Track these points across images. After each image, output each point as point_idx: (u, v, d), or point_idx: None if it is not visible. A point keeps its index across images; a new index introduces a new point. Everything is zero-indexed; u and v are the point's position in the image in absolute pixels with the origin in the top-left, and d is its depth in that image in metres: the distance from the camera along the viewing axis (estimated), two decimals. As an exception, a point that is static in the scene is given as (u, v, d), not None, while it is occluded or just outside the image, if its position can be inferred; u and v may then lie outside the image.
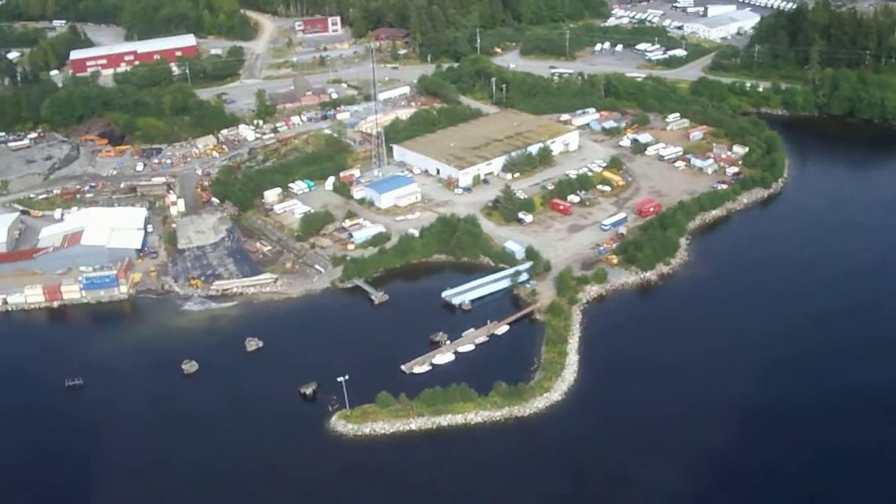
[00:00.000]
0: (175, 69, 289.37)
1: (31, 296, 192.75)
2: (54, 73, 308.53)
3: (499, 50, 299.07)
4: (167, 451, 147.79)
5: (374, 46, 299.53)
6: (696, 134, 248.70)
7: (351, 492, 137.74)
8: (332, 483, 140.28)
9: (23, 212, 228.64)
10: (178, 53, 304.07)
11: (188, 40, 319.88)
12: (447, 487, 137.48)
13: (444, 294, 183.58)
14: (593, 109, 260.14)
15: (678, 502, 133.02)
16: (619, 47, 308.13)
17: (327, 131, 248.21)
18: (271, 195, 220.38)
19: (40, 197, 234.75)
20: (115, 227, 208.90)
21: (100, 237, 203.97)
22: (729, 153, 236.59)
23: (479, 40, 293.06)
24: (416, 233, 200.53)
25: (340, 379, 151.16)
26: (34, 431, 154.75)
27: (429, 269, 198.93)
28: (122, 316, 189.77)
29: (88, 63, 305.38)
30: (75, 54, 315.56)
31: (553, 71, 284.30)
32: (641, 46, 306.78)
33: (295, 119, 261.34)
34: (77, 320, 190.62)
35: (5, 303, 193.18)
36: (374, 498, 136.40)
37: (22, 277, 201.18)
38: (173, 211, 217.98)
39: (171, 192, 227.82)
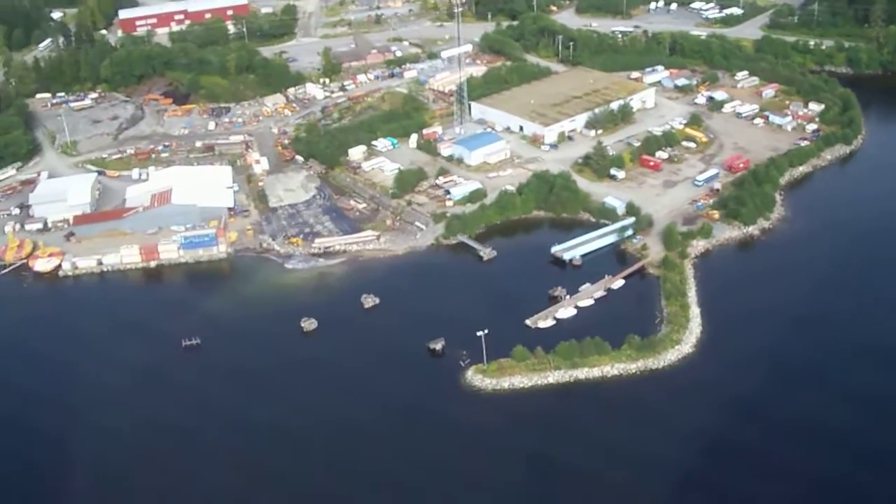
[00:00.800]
0: (231, 28, 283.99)
1: (128, 256, 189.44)
2: (102, 32, 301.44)
3: (554, 8, 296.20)
4: (303, 405, 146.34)
5: (430, 5, 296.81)
6: (768, 91, 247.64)
7: (500, 444, 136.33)
8: (477, 435, 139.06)
9: (98, 172, 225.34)
10: (230, 12, 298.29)
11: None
12: (604, 435, 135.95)
13: (553, 249, 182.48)
14: (661, 67, 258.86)
15: (837, 438, 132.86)
16: (674, 6, 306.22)
17: (399, 89, 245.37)
18: (356, 153, 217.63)
19: (114, 157, 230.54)
20: (204, 186, 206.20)
21: (190, 196, 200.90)
22: (805, 110, 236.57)
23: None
24: (513, 189, 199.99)
25: (479, 333, 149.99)
26: (158, 391, 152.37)
27: (529, 225, 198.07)
28: (224, 275, 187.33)
29: (138, 22, 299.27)
30: (124, 13, 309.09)
31: (614, 29, 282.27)
32: (696, 5, 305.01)
33: (361, 77, 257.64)
34: (178, 280, 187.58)
35: (100, 263, 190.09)
36: (525, 447, 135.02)
37: (111, 238, 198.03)
38: (257, 169, 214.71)
39: (250, 150, 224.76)
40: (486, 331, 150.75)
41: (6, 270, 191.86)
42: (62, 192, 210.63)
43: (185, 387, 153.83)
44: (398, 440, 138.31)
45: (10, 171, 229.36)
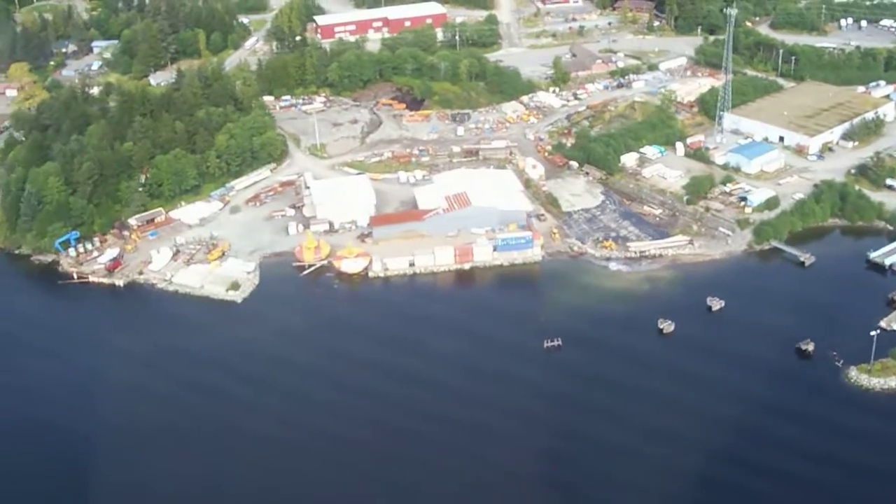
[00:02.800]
0: (439, 35, 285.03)
1: (441, 257, 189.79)
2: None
3: (749, 24, 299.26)
4: (684, 408, 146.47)
5: (629, 18, 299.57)
6: None
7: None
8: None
9: (358, 174, 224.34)
10: (429, 20, 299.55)
11: (436, 8, 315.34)
12: None
13: (871, 255, 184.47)
14: (884, 82, 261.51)
15: None
16: (864, 23, 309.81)
17: (650, 99, 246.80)
18: (629, 159, 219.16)
19: (372, 160, 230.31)
20: (495, 190, 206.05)
21: (487, 199, 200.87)
22: None
23: (733, 14, 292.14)
24: (804, 196, 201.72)
25: (873, 333, 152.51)
26: (520, 389, 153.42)
27: (829, 232, 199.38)
28: (547, 277, 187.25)
29: (337, 29, 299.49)
30: (322, 20, 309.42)
31: (822, 45, 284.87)
32: (886, 22, 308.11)
33: (590, 86, 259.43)
34: (507, 281, 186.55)
35: (412, 265, 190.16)
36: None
37: (409, 240, 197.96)
38: (534, 174, 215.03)
39: (514, 155, 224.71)
40: (877, 330, 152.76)
41: (309, 271, 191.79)
42: (342, 193, 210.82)
43: (546, 387, 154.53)
44: (772, 430, 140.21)
45: (265, 171, 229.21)
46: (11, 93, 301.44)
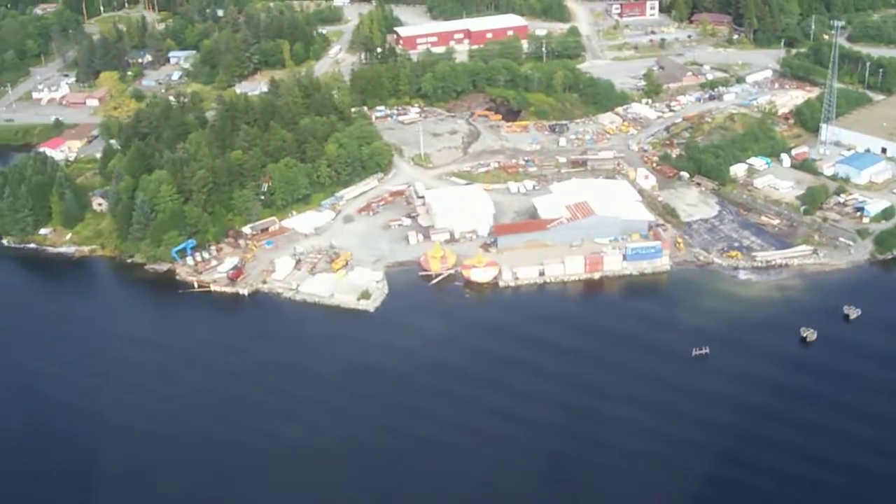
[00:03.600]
0: (525, 47, 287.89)
1: (571, 266, 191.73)
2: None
3: (826, 37, 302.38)
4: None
5: (708, 31, 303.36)
6: None
7: None
8: None
9: (466, 184, 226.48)
10: (510, 33, 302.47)
11: (517, 20, 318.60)
12: None
13: None
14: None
15: None
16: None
17: (735, 111, 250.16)
18: (738, 170, 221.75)
19: (480, 170, 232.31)
20: (613, 199, 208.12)
21: (609, 208, 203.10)
22: None
23: (812, 27, 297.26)
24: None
25: None
26: (683, 396, 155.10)
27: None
28: (678, 286, 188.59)
29: (419, 40, 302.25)
30: (403, 31, 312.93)
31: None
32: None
33: (682, 98, 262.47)
34: (639, 290, 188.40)
35: (542, 274, 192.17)
36: None
37: (532, 249, 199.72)
38: (646, 185, 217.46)
39: (622, 165, 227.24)
40: None
41: (437, 280, 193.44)
42: (459, 203, 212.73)
43: (710, 394, 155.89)
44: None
45: (372, 181, 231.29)
46: (92, 102, 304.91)
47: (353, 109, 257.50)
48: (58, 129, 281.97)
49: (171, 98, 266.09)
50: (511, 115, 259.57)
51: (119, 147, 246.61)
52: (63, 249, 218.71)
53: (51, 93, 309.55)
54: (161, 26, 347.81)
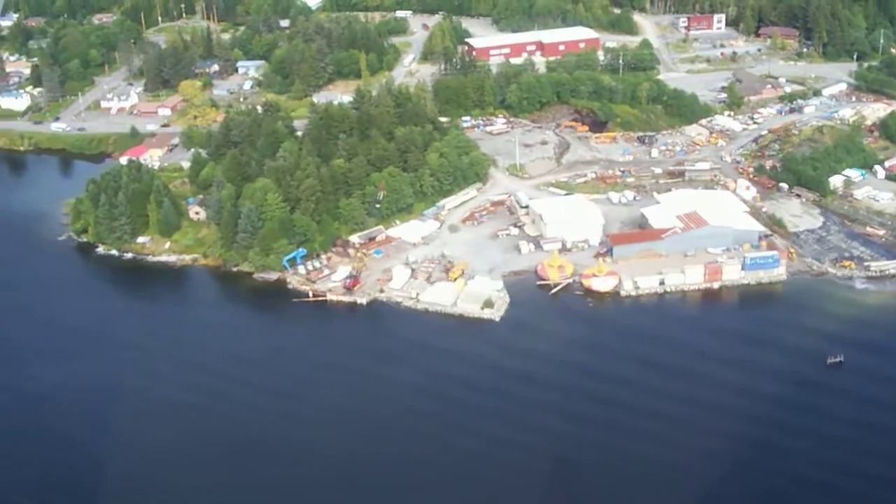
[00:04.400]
0: (601, 58, 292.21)
1: (692, 276, 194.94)
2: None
3: (894, 50, 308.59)
4: None
5: (778, 44, 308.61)
6: None
7: None
8: None
9: (565, 194, 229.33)
10: (582, 45, 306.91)
11: (589, 33, 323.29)
12: None
13: None
14: None
15: None
16: None
17: (818, 123, 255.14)
18: (836, 182, 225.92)
19: (578, 181, 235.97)
20: (718, 209, 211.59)
21: (722, 218, 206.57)
22: None
23: (881, 40, 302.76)
24: None
25: None
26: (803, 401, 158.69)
27: None
28: (797, 295, 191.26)
29: (492, 51, 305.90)
30: (476, 42, 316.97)
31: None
32: None
33: (763, 111, 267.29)
34: (759, 299, 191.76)
35: (662, 283, 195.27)
36: None
37: (646, 259, 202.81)
38: (747, 196, 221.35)
39: (719, 176, 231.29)
40: None
41: (557, 289, 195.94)
42: (568, 213, 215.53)
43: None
44: None
45: (472, 191, 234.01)
46: (164, 111, 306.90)
47: (457, 120, 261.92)
48: (135, 139, 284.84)
49: (258, 107, 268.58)
50: (596, 126, 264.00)
51: (208, 155, 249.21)
52: (164, 258, 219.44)
53: (120, 102, 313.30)
54: (226, 36, 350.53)
